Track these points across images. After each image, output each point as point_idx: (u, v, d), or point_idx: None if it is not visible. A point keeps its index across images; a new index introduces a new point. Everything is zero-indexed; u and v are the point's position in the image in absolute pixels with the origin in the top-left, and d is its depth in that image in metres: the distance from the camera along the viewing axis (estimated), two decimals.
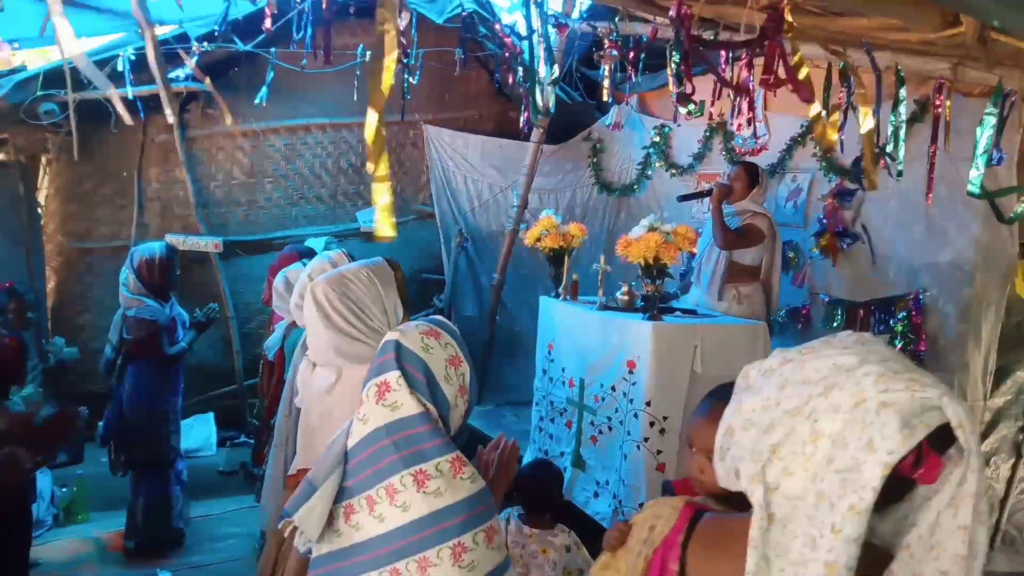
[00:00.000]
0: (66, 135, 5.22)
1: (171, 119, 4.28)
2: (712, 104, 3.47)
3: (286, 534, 1.56)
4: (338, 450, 1.55)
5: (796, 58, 2.36)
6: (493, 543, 1.48)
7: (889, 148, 3.13)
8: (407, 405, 1.49)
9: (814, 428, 1.01)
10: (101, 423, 4.18)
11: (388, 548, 1.45)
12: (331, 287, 2.07)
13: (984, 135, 2.66)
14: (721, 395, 1.45)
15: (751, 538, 1.03)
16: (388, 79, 1.47)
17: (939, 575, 0.99)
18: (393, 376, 1.51)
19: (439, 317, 1.68)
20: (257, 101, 5.09)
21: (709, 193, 4.19)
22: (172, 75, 5.31)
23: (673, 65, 2.74)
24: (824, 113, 2.58)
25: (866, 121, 2.56)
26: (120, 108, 1.89)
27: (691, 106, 2.94)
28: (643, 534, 1.30)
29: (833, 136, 2.59)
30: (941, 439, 0.98)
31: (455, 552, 1.42)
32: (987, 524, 0.99)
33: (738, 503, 1.24)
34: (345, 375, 2.06)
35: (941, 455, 0.99)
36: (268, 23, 3.77)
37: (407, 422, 1.48)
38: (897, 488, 1.01)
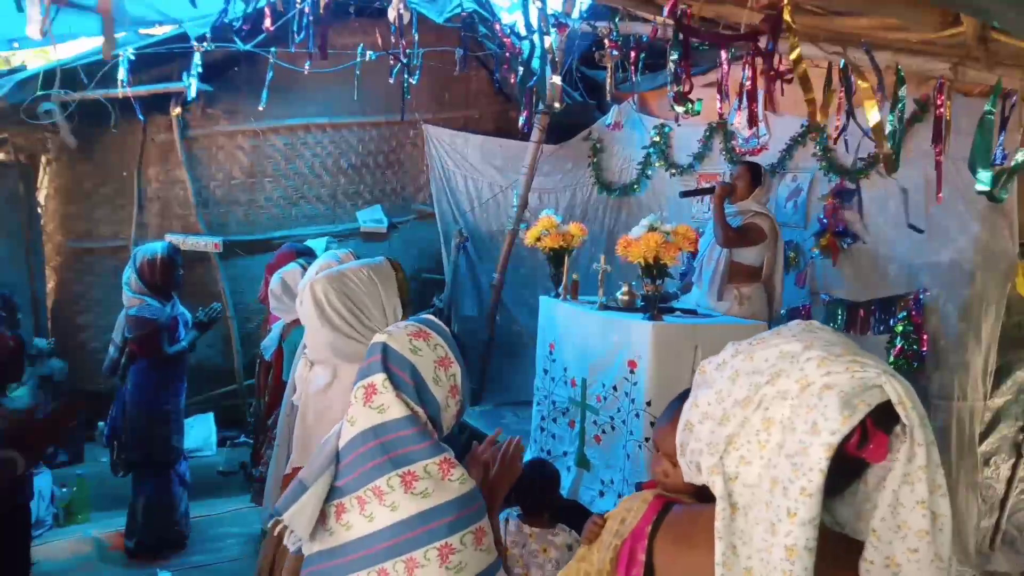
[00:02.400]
0: (67, 131, 5.22)
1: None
2: (720, 106, 3.48)
3: (275, 533, 1.55)
4: (330, 449, 1.55)
5: (794, 55, 2.35)
6: (482, 544, 1.47)
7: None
8: (393, 408, 1.48)
9: (765, 416, 1.03)
10: (102, 423, 4.17)
11: (377, 548, 1.45)
12: (330, 284, 2.06)
13: (983, 134, 2.66)
14: (684, 399, 1.48)
15: (716, 529, 1.05)
16: None
17: (909, 553, 0.99)
18: (379, 379, 1.50)
19: (429, 317, 1.67)
20: (261, 106, 5.11)
21: (711, 191, 4.19)
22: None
23: (672, 64, 2.75)
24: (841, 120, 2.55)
25: (871, 114, 2.56)
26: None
27: (688, 105, 2.94)
28: (615, 526, 1.33)
29: (824, 119, 2.57)
30: (889, 417, 0.99)
31: (442, 553, 1.41)
32: (947, 495, 0.99)
33: (708, 499, 1.27)
34: (341, 374, 2.05)
35: (889, 433, 1.00)
36: (268, 23, 3.77)
37: (393, 425, 1.48)
38: (849, 469, 1.02)
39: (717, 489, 1.06)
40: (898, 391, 0.98)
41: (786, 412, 1.01)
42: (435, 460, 1.46)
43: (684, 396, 1.49)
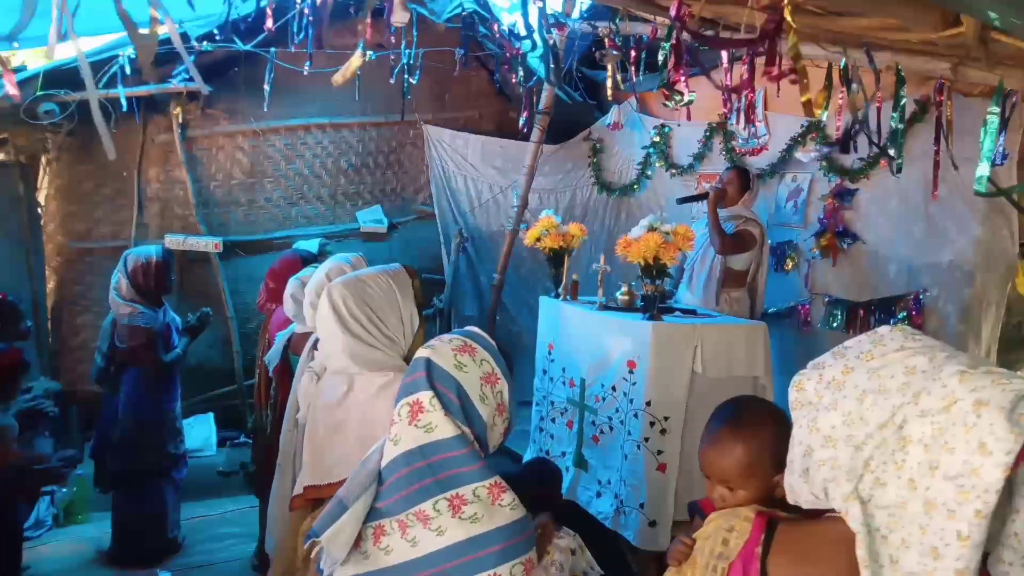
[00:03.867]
0: (67, 135, 5.22)
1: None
2: (725, 105, 3.47)
3: (313, 555, 1.48)
4: (371, 468, 1.48)
5: (792, 50, 2.34)
6: None
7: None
8: (441, 427, 1.41)
9: (901, 435, 1.01)
10: (94, 433, 4.12)
11: (419, 575, 1.38)
12: (349, 291, 2.01)
13: (988, 135, 2.66)
14: (727, 420, 1.43)
15: (860, 558, 1.02)
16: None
17: None
18: (426, 396, 1.43)
19: (474, 329, 1.59)
20: (265, 106, 5.10)
21: (705, 196, 4.22)
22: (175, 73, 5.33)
23: (661, 55, 2.75)
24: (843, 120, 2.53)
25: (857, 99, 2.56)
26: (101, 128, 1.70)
27: (677, 96, 2.94)
28: (716, 547, 1.27)
29: (819, 111, 2.53)
30: None
31: None
32: None
33: (790, 507, 1.23)
34: (357, 384, 1.99)
35: None
36: (269, 23, 3.76)
37: (442, 445, 1.41)
38: None
39: (854, 515, 1.03)
40: None
41: (927, 430, 0.98)
42: (485, 484, 1.39)
43: (721, 416, 1.45)
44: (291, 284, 3.25)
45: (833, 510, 1.11)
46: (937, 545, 0.97)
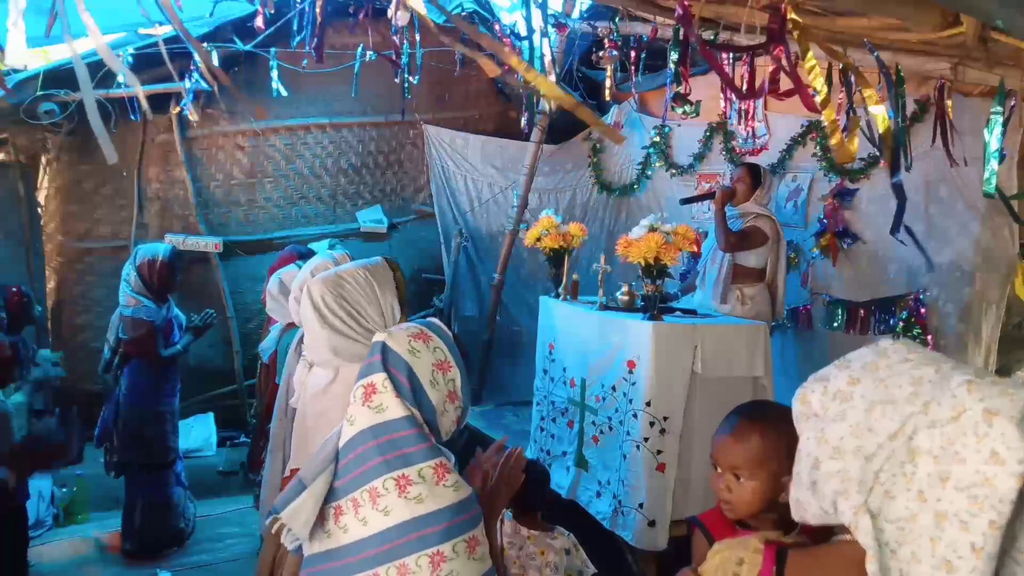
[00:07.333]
0: (67, 135, 5.22)
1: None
2: (726, 105, 3.46)
3: (273, 531, 1.55)
4: (330, 450, 1.55)
5: (808, 61, 2.33)
6: (475, 553, 1.45)
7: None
8: (392, 408, 1.49)
9: (911, 446, 0.99)
10: (98, 422, 4.17)
11: (370, 552, 1.44)
12: (326, 287, 2.06)
13: (993, 135, 2.66)
14: (746, 412, 1.43)
15: (871, 573, 1.00)
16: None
17: None
18: (379, 378, 1.51)
19: (433, 320, 1.67)
20: (274, 93, 5.09)
21: (712, 196, 4.17)
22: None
23: (672, 65, 2.75)
24: (842, 120, 2.52)
25: (879, 119, 2.55)
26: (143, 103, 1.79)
27: (687, 106, 2.94)
28: None
29: (854, 148, 2.50)
30: None
31: (433, 561, 1.40)
32: None
33: (790, 528, 1.22)
34: (341, 374, 2.05)
35: None
36: (259, 21, 3.77)
37: (391, 425, 1.48)
38: None
39: (863, 529, 1.01)
40: None
41: (936, 442, 0.97)
42: (430, 464, 1.46)
43: (746, 410, 1.45)
44: (271, 281, 3.34)
45: (841, 528, 1.10)
46: (950, 558, 0.95)
